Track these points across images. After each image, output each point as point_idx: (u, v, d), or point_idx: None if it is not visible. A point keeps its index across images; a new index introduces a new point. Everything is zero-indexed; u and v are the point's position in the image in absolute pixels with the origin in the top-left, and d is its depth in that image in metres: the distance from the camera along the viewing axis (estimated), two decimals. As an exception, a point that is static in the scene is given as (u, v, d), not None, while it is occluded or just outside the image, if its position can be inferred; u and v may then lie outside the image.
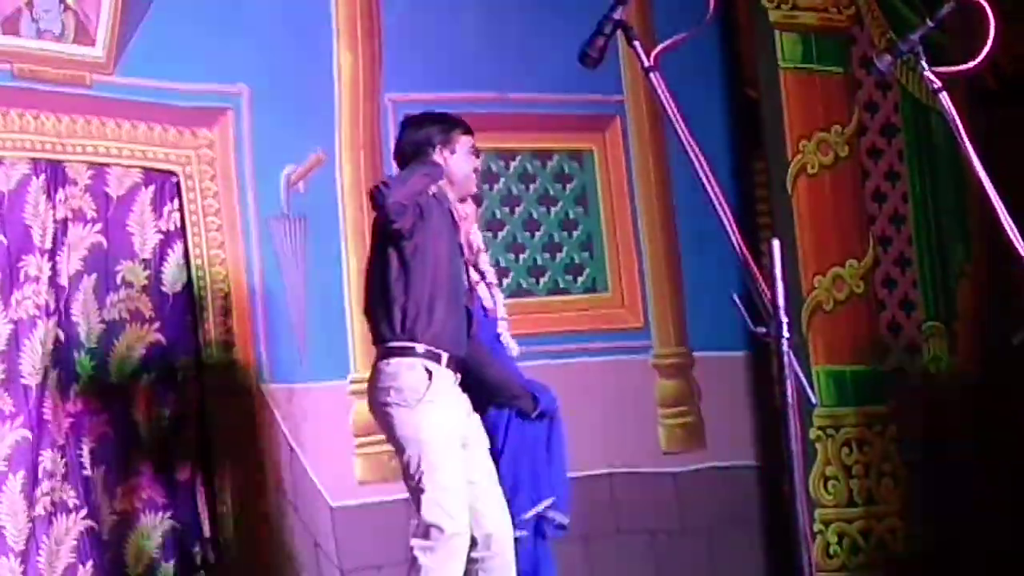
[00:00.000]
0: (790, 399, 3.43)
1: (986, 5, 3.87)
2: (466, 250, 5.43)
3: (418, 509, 5.02)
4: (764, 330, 3.48)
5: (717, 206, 3.50)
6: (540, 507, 5.41)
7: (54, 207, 5.78)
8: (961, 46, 6.93)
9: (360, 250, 6.46)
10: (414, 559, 4.99)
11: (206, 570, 6.01)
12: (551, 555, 5.52)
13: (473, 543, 5.06)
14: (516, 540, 5.26)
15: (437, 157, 5.19)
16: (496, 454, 5.33)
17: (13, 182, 5.73)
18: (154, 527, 5.92)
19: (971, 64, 3.90)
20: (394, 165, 5.40)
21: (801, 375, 3.50)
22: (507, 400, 5.41)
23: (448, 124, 5.31)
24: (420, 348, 5.03)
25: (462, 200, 5.40)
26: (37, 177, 5.76)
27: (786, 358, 3.43)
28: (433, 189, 5.14)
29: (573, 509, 5.55)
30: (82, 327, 5.81)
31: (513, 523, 5.25)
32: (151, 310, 5.97)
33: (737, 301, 3.57)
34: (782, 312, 3.44)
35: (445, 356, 5.07)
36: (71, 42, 5.88)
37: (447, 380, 5.09)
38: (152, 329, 5.97)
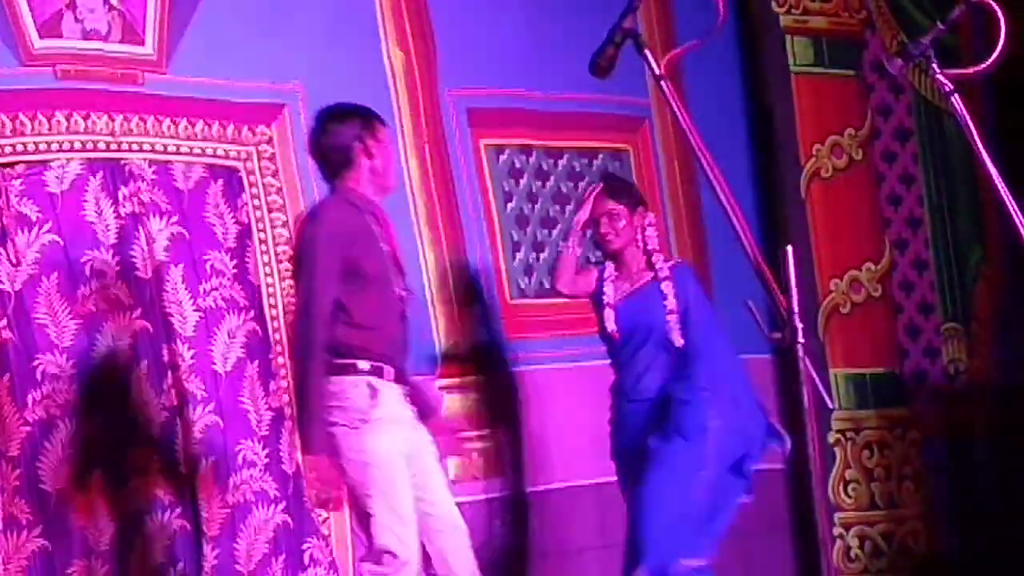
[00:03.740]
0: (806, 404, 3.44)
1: (996, 6, 3.86)
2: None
3: (368, 534, 4.87)
4: (780, 335, 3.48)
5: (729, 210, 3.50)
6: None
7: (116, 204, 5.63)
8: (973, 48, 6.96)
9: (435, 244, 6.45)
10: None
11: (316, 567, 5.86)
12: None
13: (428, 560, 4.95)
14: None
15: (365, 148, 4.99)
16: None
17: (67, 182, 5.55)
18: (265, 521, 5.77)
19: (982, 66, 3.89)
20: (310, 163, 5.29)
21: (817, 380, 3.49)
22: None
23: (368, 115, 5.11)
24: (363, 364, 4.89)
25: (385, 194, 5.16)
26: (94, 176, 5.60)
27: (801, 364, 3.43)
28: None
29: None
30: (175, 318, 5.66)
31: None
32: (245, 299, 5.85)
33: (751, 307, 3.57)
34: (796, 318, 3.44)
35: (388, 370, 4.93)
36: (119, 41, 5.74)
37: (391, 395, 4.94)
38: (248, 318, 5.84)
